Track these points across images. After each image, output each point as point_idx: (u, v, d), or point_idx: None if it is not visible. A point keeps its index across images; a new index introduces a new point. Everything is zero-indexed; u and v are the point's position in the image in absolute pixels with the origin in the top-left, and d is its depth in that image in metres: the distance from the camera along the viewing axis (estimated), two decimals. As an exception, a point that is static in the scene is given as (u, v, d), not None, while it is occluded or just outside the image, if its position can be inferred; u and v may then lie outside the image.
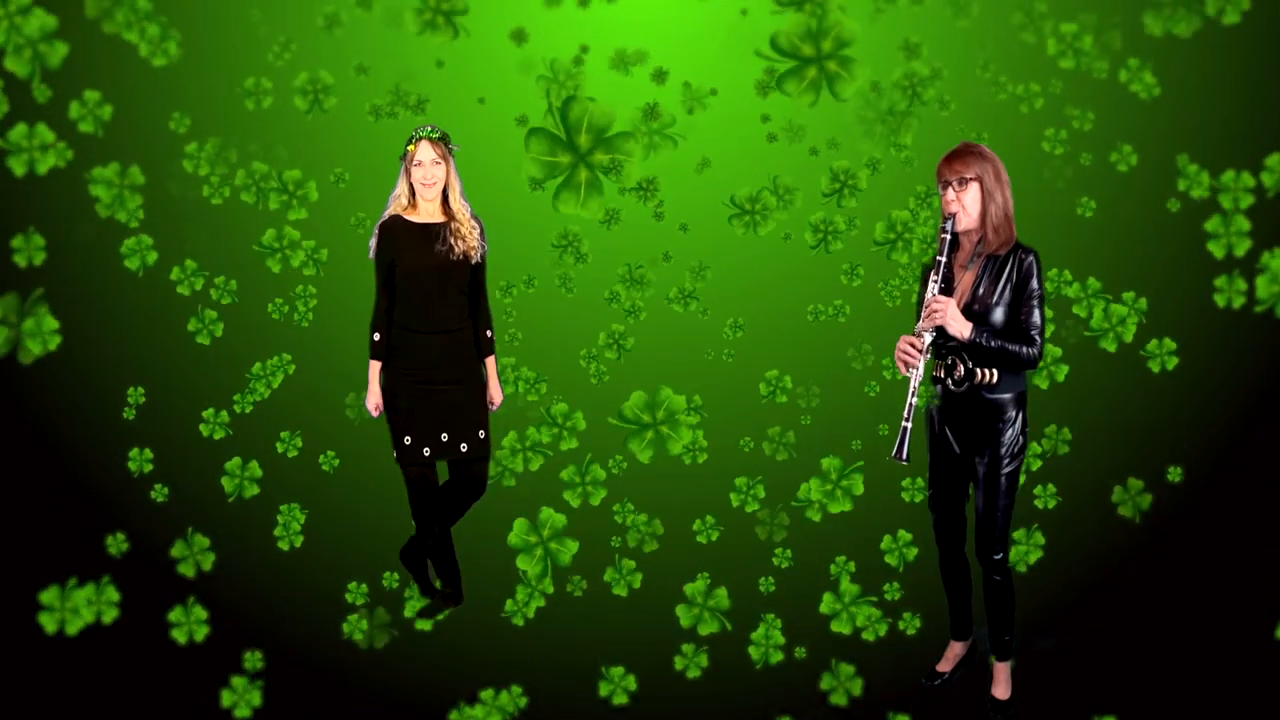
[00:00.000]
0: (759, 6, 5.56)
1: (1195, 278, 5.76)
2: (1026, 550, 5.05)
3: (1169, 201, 5.47)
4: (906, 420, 4.17)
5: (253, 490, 5.38)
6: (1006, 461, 4.28)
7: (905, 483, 5.13)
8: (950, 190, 4.21)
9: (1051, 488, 5.30)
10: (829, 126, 5.75)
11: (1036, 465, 5.42)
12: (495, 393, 5.15)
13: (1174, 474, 5.33)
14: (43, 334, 5.53)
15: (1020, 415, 4.28)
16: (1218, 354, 5.71)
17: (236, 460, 5.40)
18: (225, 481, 5.39)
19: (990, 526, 4.34)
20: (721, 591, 4.71)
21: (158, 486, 5.26)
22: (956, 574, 4.68)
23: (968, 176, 4.17)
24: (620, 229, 5.88)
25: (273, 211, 5.76)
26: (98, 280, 5.76)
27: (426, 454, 4.91)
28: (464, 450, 4.94)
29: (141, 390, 5.51)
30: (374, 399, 4.97)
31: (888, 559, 4.76)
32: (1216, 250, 5.50)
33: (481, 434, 4.99)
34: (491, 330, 5.11)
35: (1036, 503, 5.32)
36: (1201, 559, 5.10)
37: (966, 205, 4.19)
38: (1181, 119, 5.72)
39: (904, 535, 4.80)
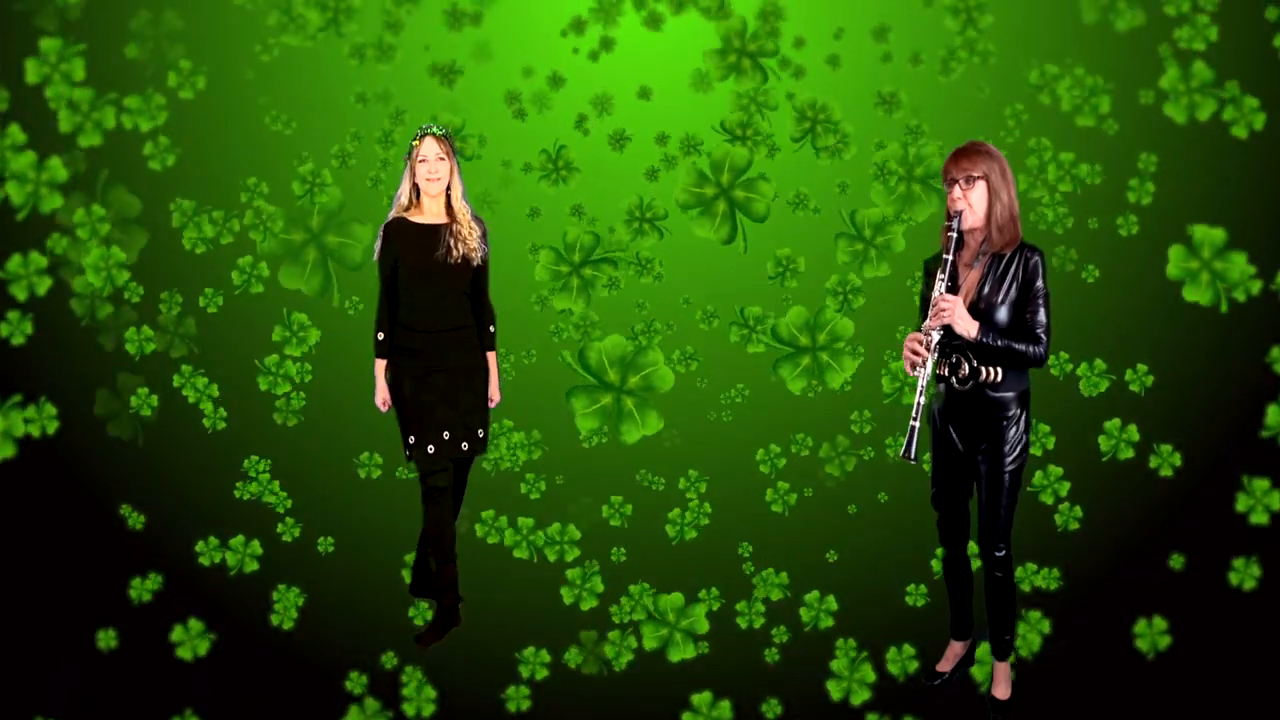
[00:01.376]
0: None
1: (1200, 348, 5.76)
2: (1028, 630, 4.99)
3: (1170, 269, 5.43)
4: (915, 419, 4.15)
5: (252, 566, 5.36)
6: (1010, 459, 4.27)
7: (910, 587, 5.07)
8: (956, 188, 4.19)
9: (1056, 571, 5.24)
10: (829, 182, 5.93)
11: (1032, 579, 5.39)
12: (494, 391, 5.23)
13: (1175, 561, 5.27)
14: (12, 436, 5.66)
15: (1024, 413, 4.27)
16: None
17: (240, 537, 5.38)
18: (229, 556, 5.37)
19: (993, 524, 4.32)
20: (725, 704, 4.69)
21: (152, 575, 5.23)
22: (958, 573, 4.67)
23: (975, 175, 4.16)
24: (620, 296, 6.03)
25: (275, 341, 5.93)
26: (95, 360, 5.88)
27: (431, 451, 4.97)
28: (465, 449, 5.02)
29: (141, 517, 5.51)
30: (380, 395, 5.08)
31: (890, 668, 4.72)
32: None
33: (481, 433, 5.08)
34: (494, 325, 5.20)
35: (1040, 581, 5.25)
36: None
37: (973, 203, 4.18)
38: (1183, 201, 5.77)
39: (908, 649, 4.77)
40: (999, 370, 4.18)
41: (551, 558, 5.22)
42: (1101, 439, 5.64)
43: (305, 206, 5.86)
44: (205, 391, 5.86)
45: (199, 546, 5.17)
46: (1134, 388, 5.74)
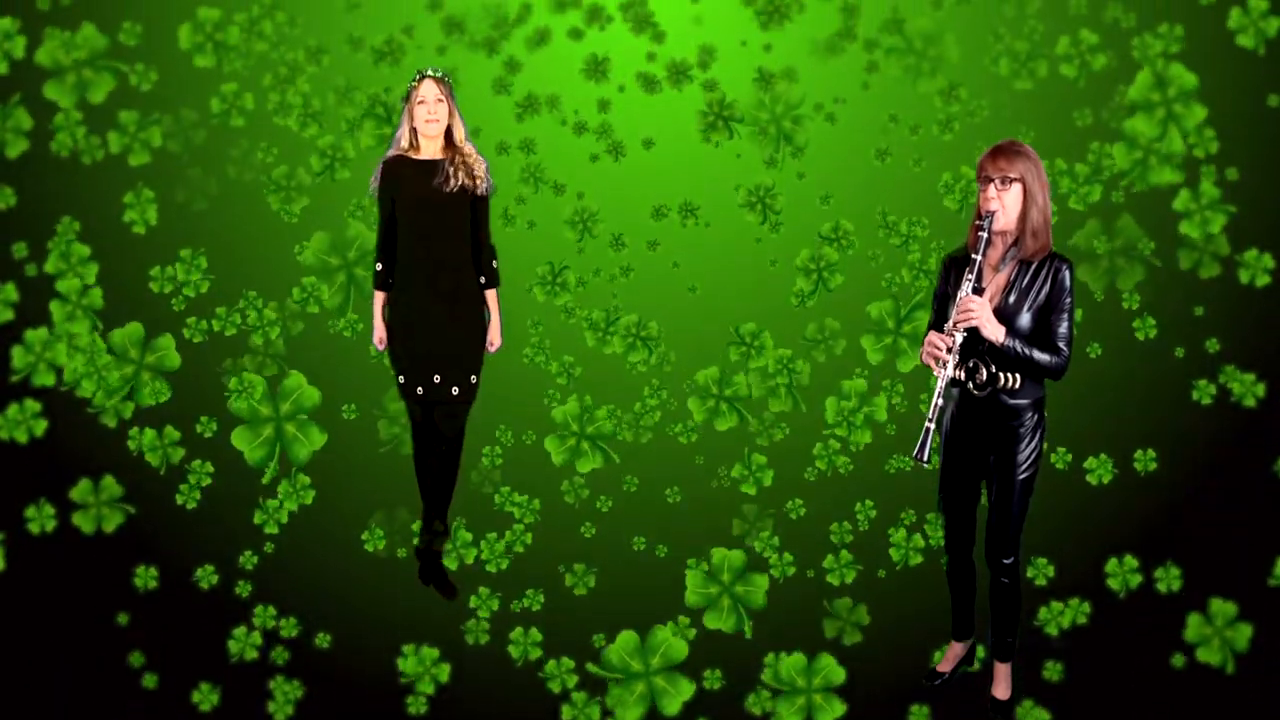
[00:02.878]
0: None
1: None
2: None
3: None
4: (930, 421, 4.07)
5: (252, 654, 5.28)
6: (1023, 467, 4.24)
7: (914, 708, 4.98)
8: (992, 187, 4.10)
9: (1059, 666, 5.14)
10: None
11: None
12: (495, 334, 5.26)
13: (1177, 660, 5.19)
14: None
15: (1039, 421, 4.23)
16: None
17: (242, 628, 5.32)
18: (231, 644, 5.29)
19: (1003, 530, 4.30)
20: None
21: (148, 675, 5.16)
22: (963, 576, 4.64)
23: (1011, 176, 4.08)
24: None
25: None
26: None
27: (420, 393, 5.07)
28: (455, 393, 5.08)
29: (139, 649, 5.45)
30: (378, 333, 5.21)
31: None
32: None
33: (473, 379, 5.12)
34: (496, 261, 5.20)
35: (1045, 674, 5.15)
36: None
37: (1007, 205, 4.10)
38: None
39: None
40: (1017, 376, 4.13)
41: (555, 689, 5.15)
42: (1111, 580, 5.61)
43: (286, 389, 6.00)
44: (201, 473, 5.89)
45: (195, 696, 5.10)
46: (1138, 466, 5.78)
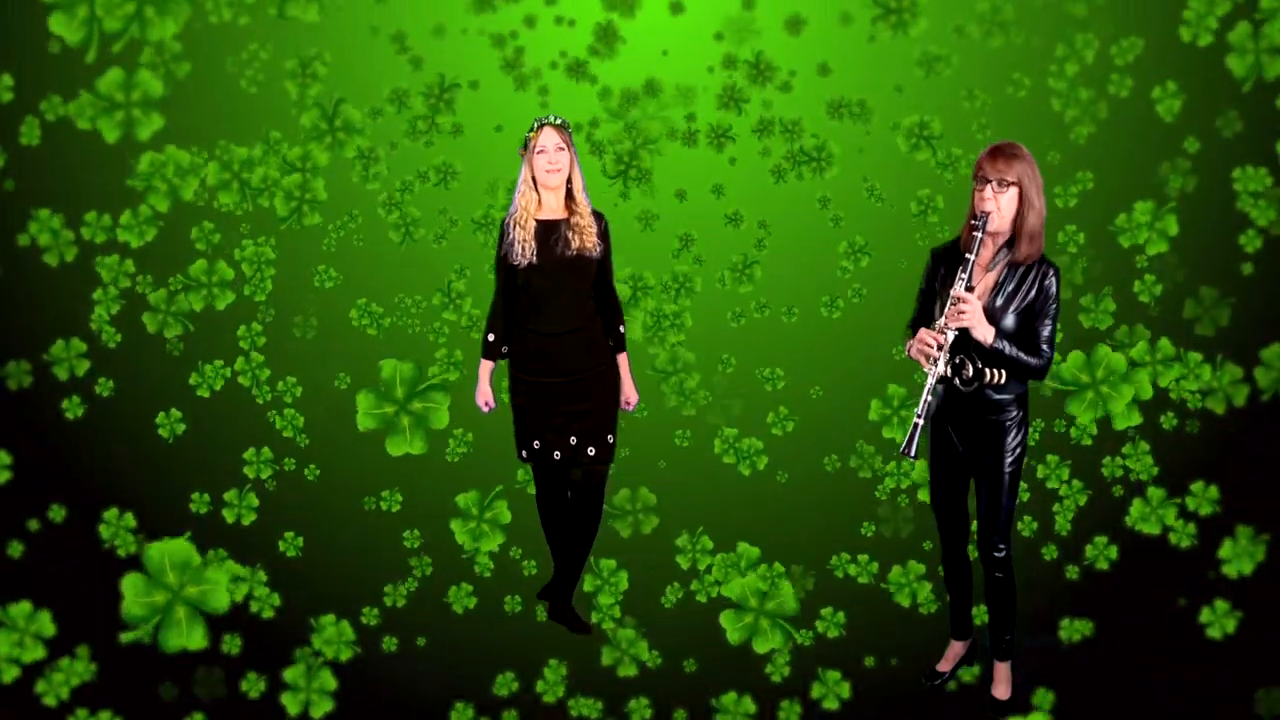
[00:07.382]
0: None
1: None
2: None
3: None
4: (919, 417, 4.14)
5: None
6: (1010, 459, 4.33)
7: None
8: (989, 189, 4.16)
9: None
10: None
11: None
12: (630, 392, 5.10)
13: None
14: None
15: (1023, 414, 4.33)
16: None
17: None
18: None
19: (993, 523, 4.37)
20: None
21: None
22: (958, 573, 4.70)
23: (1009, 179, 4.14)
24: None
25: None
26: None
27: (557, 458, 4.86)
28: (591, 454, 4.87)
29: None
30: (482, 396, 5.02)
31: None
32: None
33: (610, 438, 4.93)
34: (624, 325, 5.06)
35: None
36: None
37: (1002, 207, 4.16)
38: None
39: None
40: (1002, 372, 4.23)
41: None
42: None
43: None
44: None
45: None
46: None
